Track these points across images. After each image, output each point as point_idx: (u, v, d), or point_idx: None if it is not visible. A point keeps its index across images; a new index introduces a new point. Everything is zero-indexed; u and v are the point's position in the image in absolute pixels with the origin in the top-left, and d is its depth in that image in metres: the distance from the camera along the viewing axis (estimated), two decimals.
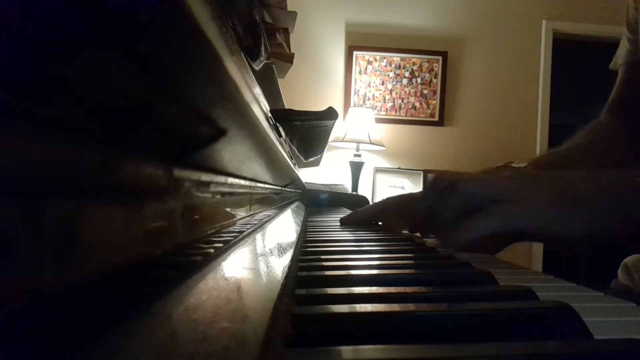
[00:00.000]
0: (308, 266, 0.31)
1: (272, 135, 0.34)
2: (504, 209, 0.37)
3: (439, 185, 0.43)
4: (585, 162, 0.64)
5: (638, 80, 0.65)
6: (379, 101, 2.69)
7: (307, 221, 0.80)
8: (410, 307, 0.20)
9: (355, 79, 2.68)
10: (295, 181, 0.87)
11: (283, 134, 0.49)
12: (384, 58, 2.69)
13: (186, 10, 0.11)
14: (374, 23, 2.69)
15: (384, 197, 0.69)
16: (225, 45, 0.16)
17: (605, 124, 0.72)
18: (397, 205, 0.65)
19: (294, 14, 0.73)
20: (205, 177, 0.20)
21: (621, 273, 0.66)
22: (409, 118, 2.70)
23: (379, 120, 2.61)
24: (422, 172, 2.63)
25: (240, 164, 0.28)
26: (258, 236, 0.32)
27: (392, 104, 2.69)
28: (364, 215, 0.70)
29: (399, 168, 2.65)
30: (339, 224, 0.70)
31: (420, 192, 0.47)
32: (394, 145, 2.66)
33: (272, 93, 0.76)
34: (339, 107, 2.60)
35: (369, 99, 2.69)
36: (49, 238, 0.08)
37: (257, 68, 0.34)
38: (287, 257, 0.33)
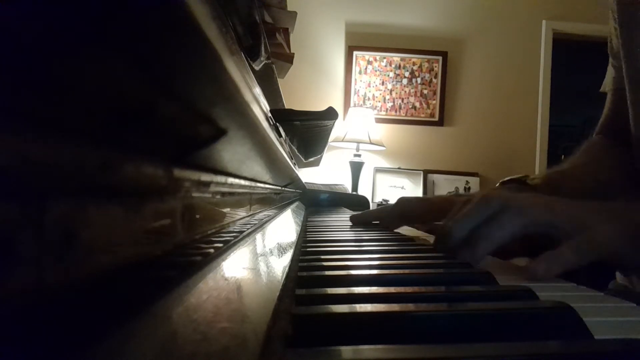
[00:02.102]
0: (308, 266, 0.31)
1: (272, 135, 0.34)
2: (585, 240, 0.35)
3: (492, 205, 0.39)
4: (588, 181, 0.67)
5: (624, 106, 0.67)
6: (379, 101, 2.69)
7: (307, 221, 0.80)
8: (410, 307, 0.20)
9: (355, 79, 2.68)
10: (295, 181, 0.87)
11: (283, 134, 0.49)
12: (384, 58, 2.69)
13: (186, 10, 0.11)
14: (374, 23, 2.69)
15: (397, 199, 0.69)
16: (225, 45, 0.16)
17: (599, 144, 0.75)
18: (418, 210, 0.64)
19: (294, 14, 0.73)
20: (205, 177, 0.20)
21: (619, 274, 0.66)
22: (409, 118, 2.70)
23: (379, 120, 2.61)
24: (422, 172, 2.63)
25: (240, 164, 0.28)
26: (258, 236, 0.32)
27: (392, 104, 2.69)
28: (376, 215, 0.71)
29: (399, 168, 2.65)
30: (339, 224, 0.70)
31: (466, 207, 0.41)
32: (394, 145, 2.66)
33: (272, 93, 0.76)
34: (339, 107, 2.61)
35: (369, 99, 2.69)
36: (49, 238, 0.08)
37: (257, 68, 0.34)
38: (287, 257, 0.33)
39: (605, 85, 0.75)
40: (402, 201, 0.66)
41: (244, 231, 0.30)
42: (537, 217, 0.37)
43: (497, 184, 0.67)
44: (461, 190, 2.62)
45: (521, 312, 0.20)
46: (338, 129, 2.41)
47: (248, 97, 0.21)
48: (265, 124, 0.29)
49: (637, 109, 0.63)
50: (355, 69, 2.68)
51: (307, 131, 0.78)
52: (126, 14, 0.09)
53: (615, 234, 0.35)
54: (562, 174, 0.69)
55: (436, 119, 2.69)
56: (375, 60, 2.69)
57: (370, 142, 2.40)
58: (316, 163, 1.24)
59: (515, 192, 0.41)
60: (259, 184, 0.41)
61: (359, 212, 0.73)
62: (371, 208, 1.71)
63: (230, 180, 0.27)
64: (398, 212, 0.65)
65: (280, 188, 0.67)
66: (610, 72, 0.74)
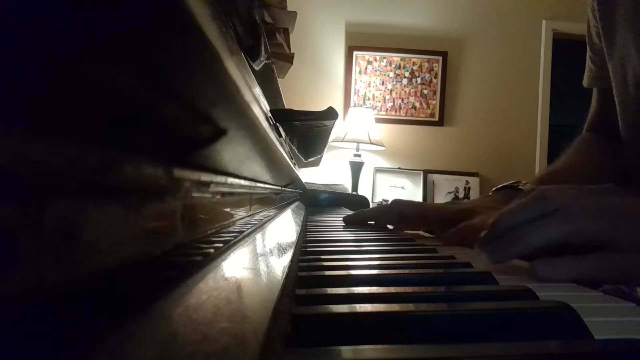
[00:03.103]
0: (308, 266, 0.31)
1: (272, 135, 0.34)
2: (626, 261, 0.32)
3: (545, 204, 0.35)
4: (583, 179, 0.65)
5: (610, 106, 0.66)
6: (379, 101, 2.69)
7: (307, 221, 0.80)
8: (410, 307, 0.20)
9: (355, 79, 2.68)
10: (295, 181, 0.87)
11: (283, 134, 0.49)
12: (384, 58, 2.69)
13: (186, 10, 0.11)
14: (374, 23, 2.69)
15: (391, 200, 0.69)
16: (225, 45, 0.16)
17: (590, 141, 0.74)
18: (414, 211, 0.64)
19: (294, 14, 0.73)
20: (205, 177, 0.20)
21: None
22: (409, 118, 2.70)
23: (379, 120, 2.61)
24: (422, 172, 2.63)
25: (240, 164, 0.28)
26: (258, 236, 0.32)
27: (392, 104, 2.69)
28: (370, 214, 0.71)
29: (399, 168, 2.65)
30: (339, 224, 0.70)
31: (512, 205, 0.37)
32: (394, 145, 2.66)
33: (272, 93, 0.76)
34: (339, 107, 2.61)
35: (369, 99, 2.69)
36: (49, 238, 0.08)
37: (257, 68, 0.34)
38: (287, 257, 0.33)
39: (587, 81, 0.75)
40: (399, 202, 0.66)
41: (244, 231, 0.30)
42: (590, 228, 0.33)
43: (491, 192, 0.67)
44: (461, 190, 2.62)
45: (521, 312, 0.20)
46: (338, 129, 2.41)
47: (248, 97, 0.21)
48: (265, 124, 0.29)
49: (624, 107, 0.63)
50: (355, 69, 2.68)
51: (307, 131, 0.78)
52: (126, 13, 0.09)
53: None
54: (555, 174, 0.68)
55: (436, 119, 2.69)
56: (375, 60, 2.69)
57: (370, 142, 2.40)
58: (316, 163, 1.24)
59: (579, 191, 0.36)
60: (259, 184, 0.41)
61: (352, 213, 0.73)
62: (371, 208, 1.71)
63: (230, 180, 0.27)
64: (396, 212, 0.65)
65: (280, 188, 0.67)
66: (590, 68, 0.73)
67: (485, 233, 0.39)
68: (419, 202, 0.68)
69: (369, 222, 0.70)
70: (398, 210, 0.65)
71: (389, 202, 0.69)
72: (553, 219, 0.34)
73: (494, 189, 0.66)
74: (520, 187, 0.63)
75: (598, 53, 0.69)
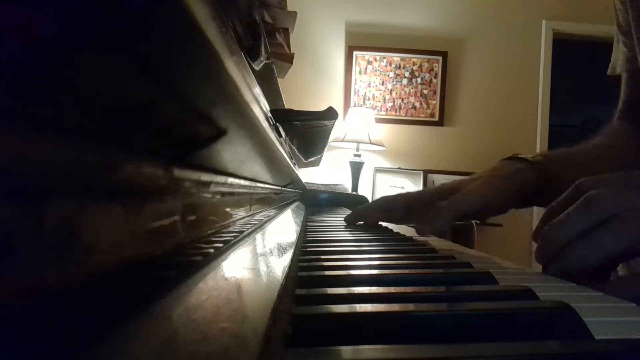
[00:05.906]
0: (308, 266, 0.31)
1: (272, 135, 0.34)
2: None
3: (596, 212, 0.31)
4: (602, 164, 0.59)
5: None
6: (379, 101, 2.69)
7: (307, 221, 0.80)
8: (410, 307, 0.20)
9: (355, 79, 2.68)
10: (295, 181, 0.87)
11: (283, 134, 0.49)
12: (384, 58, 2.69)
13: (186, 10, 0.11)
14: (374, 23, 2.69)
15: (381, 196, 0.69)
16: (225, 45, 0.16)
17: (619, 129, 0.70)
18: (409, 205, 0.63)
19: (294, 14, 0.73)
20: (205, 177, 0.20)
21: (621, 267, 0.64)
22: (409, 118, 2.70)
23: (379, 120, 2.61)
24: (422, 172, 2.63)
25: (240, 164, 0.28)
26: (258, 236, 0.32)
27: (392, 104, 2.69)
28: (362, 212, 0.71)
29: (399, 168, 2.65)
30: (339, 224, 0.70)
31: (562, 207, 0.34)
32: (394, 145, 2.66)
33: (272, 93, 0.76)
34: (339, 107, 2.60)
35: (369, 99, 2.69)
36: (49, 238, 0.08)
37: (257, 68, 0.34)
38: (287, 257, 0.33)
39: (615, 67, 0.71)
40: (385, 198, 0.66)
41: (244, 231, 0.30)
42: None
43: (498, 162, 0.64)
44: None
45: (521, 312, 0.20)
46: (338, 129, 2.41)
47: (248, 97, 0.21)
48: (265, 124, 0.29)
49: None
50: (355, 69, 2.68)
51: (307, 131, 0.78)
52: (126, 13, 0.09)
53: None
54: (572, 153, 0.63)
55: (436, 119, 2.69)
56: (375, 60, 2.69)
57: (370, 142, 2.40)
58: (316, 163, 1.24)
59: (630, 190, 0.32)
60: (259, 184, 0.41)
61: (350, 212, 0.72)
62: None
63: (230, 180, 0.27)
64: (378, 206, 0.65)
65: (280, 188, 0.67)
66: (620, 51, 0.69)
67: (536, 247, 0.36)
68: (402, 193, 0.67)
69: (358, 223, 0.69)
70: (383, 205, 0.64)
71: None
72: (608, 230, 0.31)
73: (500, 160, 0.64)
74: (525, 157, 0.60)
75: (628, 33, 0.65)
